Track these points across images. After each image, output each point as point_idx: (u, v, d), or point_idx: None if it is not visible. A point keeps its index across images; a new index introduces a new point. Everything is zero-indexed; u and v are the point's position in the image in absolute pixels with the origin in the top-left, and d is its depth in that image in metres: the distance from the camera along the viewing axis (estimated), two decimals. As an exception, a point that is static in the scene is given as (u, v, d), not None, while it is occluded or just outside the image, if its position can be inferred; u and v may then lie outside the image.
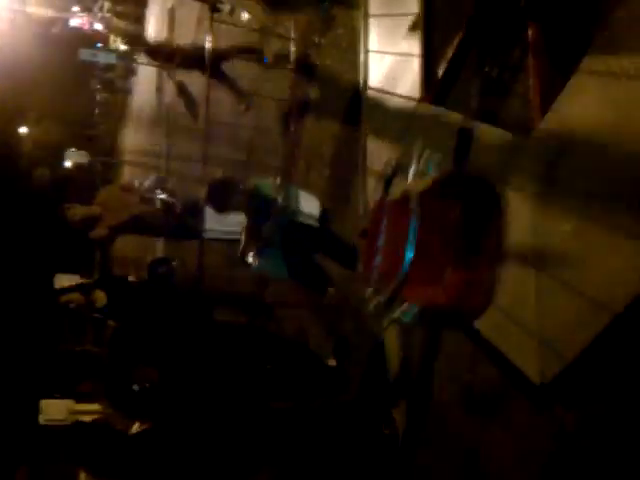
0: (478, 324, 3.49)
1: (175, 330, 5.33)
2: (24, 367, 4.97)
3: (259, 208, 4.63)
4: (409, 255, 3.12)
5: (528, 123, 3.33)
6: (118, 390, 4.30)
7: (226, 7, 5.92)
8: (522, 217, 3.19)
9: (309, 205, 4.85)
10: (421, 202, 3.21)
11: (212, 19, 6.01)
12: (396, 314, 3.44)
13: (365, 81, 5.03)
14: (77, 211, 5.92)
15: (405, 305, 3.41)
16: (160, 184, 6.48)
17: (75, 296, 5.79)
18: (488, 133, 3.55)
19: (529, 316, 3.11)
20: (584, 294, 2.81)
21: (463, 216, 3.20)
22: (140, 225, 6.28)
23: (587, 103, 2.89)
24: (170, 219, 6.23)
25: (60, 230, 6.36)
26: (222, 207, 4.80)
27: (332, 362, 5.02)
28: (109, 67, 20.01)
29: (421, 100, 4.27)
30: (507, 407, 3.33)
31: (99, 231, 6.21)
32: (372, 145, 4.84)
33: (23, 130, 23.84)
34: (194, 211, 5.84)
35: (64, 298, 5.81)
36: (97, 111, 25.64)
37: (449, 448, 3.69)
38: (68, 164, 17.03)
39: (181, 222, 6.13)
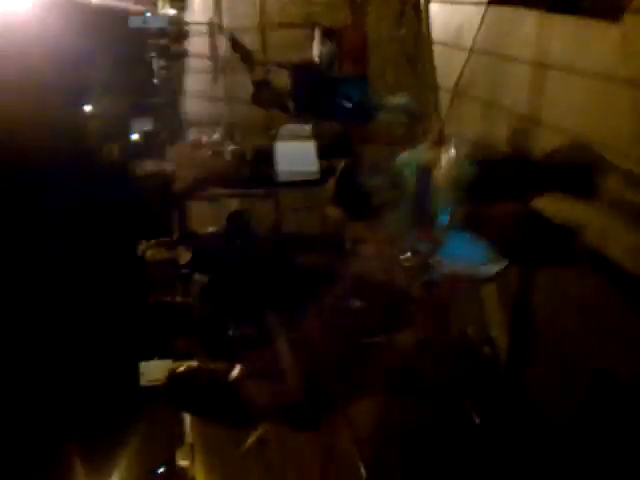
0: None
1: (260, 278, 5.32)
2: (120, 329, 5.07)
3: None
4: None
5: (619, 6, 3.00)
6: (214, 338, 4.32)
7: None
8: (619, 104, 2.91)
9: None
10: None
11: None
12: None
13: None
14: (148, 167, 5.92)
15: None
16: (227, 136, 6.39)
17: (160, 252, 5.84)
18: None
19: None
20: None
21: None
22: (214, 178, 6.23)
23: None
24: (242, 169, 6.14)
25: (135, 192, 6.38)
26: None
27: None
28: (161, 34, 20.01)
29: (491, 2, 3.95)
30: (615, 316, 3.10)
31: (176, 186, 6.21)
32: (442, 61, 4.58)
33: (88, 108, 24.38)
34: (265, 157, 5.73)
35: (149, 255, 5.87)
36: (156, 79, 25.90)
37: (550, 365, 3.50)
38: (135, 134, 17.29)
39: (253, 170, 6.04)
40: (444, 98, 4.55)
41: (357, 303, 4.97)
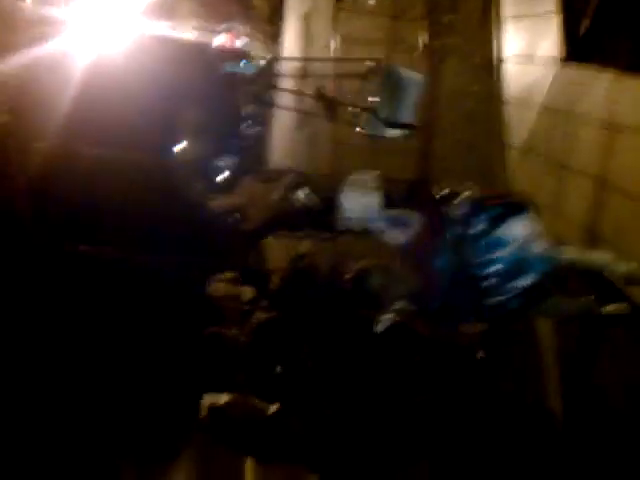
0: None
1: (319, 323, 5.28)
2: (181, 360, 5.11)
3: None
4: None
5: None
6: (260, 374, 4.31)
7: (352, -7, 5.74)
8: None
9: None
10: None
11: (336, 8, 5.88)
12: None
13: (499, 52, 4.68)
14: (219, 201, 6.02)
15: None
16: (299, 182, 6.43)
17: (223, 287, 5.89)
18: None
19: None
20: None
21: None
22: (282, 222, 6.29)
23: None
24: (310, 218, 6.17)
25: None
26: None
27: (480, 354, 4.69)
28: (252, 81, 20.68)
29: (564, 60, 3.86)
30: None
31: (246, 225, 6.30)
32: (513, 118, 4.49)
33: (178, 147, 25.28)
34: (331, 206, 5.72)
35: (214, 289, 5.93)
36: (243, 124, 26.71)
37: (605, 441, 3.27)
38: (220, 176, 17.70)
39: (321, 220, 6.05)
40: (513, 155, 4.45)
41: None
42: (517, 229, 2.77)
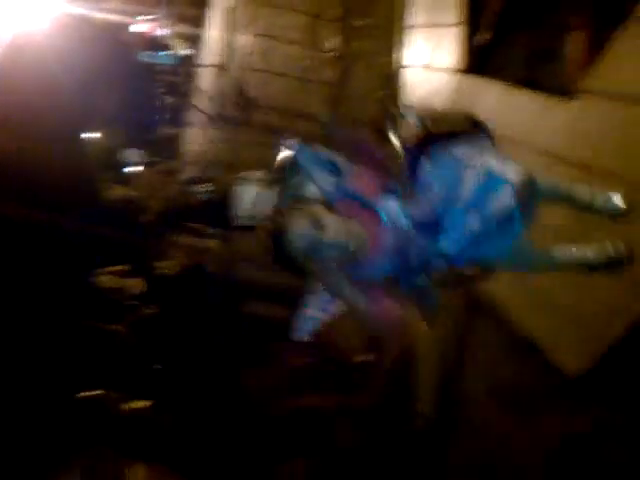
0: (515, 314, 3.13)
1: (205, 320, 5.18)
2: (55, 352, 4.85)
3: None
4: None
5: (570, 86, 2.96)
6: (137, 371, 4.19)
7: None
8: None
9: None
10: None
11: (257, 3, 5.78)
12: None
13: (404, 59, 4.73)
14: (117, 191, 5.83)
15: None
16: (202, 175, 6.32)
17: (109, 280, 5.70)
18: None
19: (567, 302, 2.74)
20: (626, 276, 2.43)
21: None
22: (180, 213, 6.15)
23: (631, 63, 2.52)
24: (209, 211, 6.05)
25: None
26: None
27: (364, 358, 4.71)
28: (172, 71, 20.23)
29: (461, 71, 3.93)
30: (540, 403, 2.95)
31: (144, 217, 6.12)
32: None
33: (89, 135, 24.42)
34: (228, 201, 5.63)
35: (101, 282, 5.73)
36: (159, 116, 26.09)
37: (478, 446, 3.33)
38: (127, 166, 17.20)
39: (219, 213, 5.94)
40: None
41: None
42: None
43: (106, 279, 5.87)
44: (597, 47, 2.80)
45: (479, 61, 3.82)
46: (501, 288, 3.21)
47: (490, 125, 3.46)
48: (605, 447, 2.51)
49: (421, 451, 3.84)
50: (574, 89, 2.89)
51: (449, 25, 4.12)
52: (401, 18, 4.76)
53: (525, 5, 3.41)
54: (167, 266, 6.21)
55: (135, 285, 5.79)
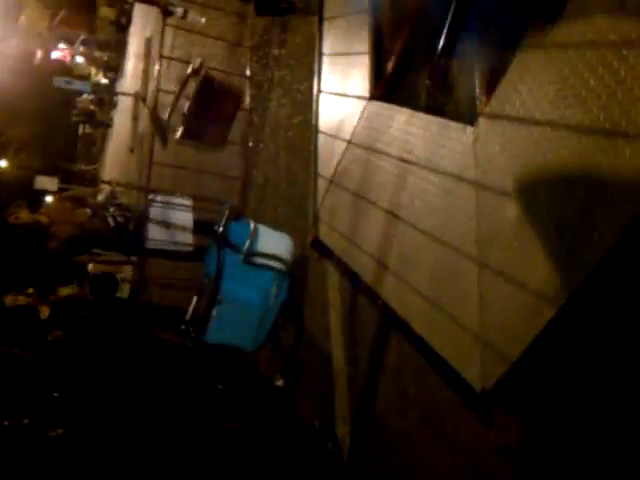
0: (420, 329, 3.20)
1: (116, 346, 5.03)
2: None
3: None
4: None
5: (475, 111, 3.09)
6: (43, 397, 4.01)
7: (178, 10, 5.69)
8: (467, 206, 2.93)
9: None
10: None
11: (165, 24, 5.80)
12: None
13: (319, 85, 4.81)
14: (22, 216, 5.62)
15: None
16: (112, 200, 6.18)
17: (22, 299, 5.49)
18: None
19: (471, 316, 2.82)
20: (528, 287, 2.53)
21: None
22: (89, 239, 5.97)
23: (530, 80, 2.66)
24: (121, 236, 5.92)
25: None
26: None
27: (280, 382, 4.69)
28: (91, 100, 19.88)
29: (371, 98, 4.03)
30: (453, 420, 3.00)
31: (50, 244, 5.93)
32: (323, 150, 4.61)
33: (1, 162, 23.61)
34: (142, 224, 5.55)
35: (11, 300, 5.50)
36: (79, 144, 25.52)
37: (394, 464, 3.35)
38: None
39: (131, 238, 5.82)
40: (322, 184, 4.55)
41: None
42: None
43: (12, 300, 5.66)
44: (497, 73, 2.93)
45: (388, 89, 3.94)
46: (407, 304, 3.29)
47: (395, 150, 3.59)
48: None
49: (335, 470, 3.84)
50: (476, 113, 3.02)
51: (359, 54, 4.23)
52: (316, 47, 4.85)
53: (428, 35, 3.54)
54: (72, 291, 6.03)
55: (42, 310, 5.60)
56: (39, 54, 21.78)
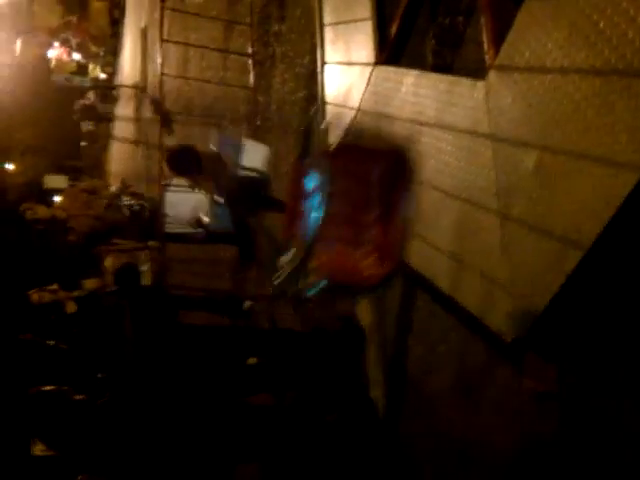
0: (447, 288, 3.23)
1: (144, 332, 5.11)
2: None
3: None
4: (315, 216, 2.97)
5: (484, 66, 3.08)
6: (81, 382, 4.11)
7: (175, -9, 5.67)
8: (484, 160, 2.94)
9: (257, 157, 4.67)
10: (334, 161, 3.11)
11: (163, 7, 5.78)
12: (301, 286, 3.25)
13: (323, 56, 4.80)
14: (39, 212, 5.70)
15: (313, 278, 3.20)
16: (125, 189, 6.24)
17: (47, 296, 5.59)
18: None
19: (497, 269, 2.85)
20: (552, 234, 2.55)
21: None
22: (107, 230, 6.05)
23: (537, 28, 2.65)
24: (137, 223, 5.99)
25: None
26: (183, 172, 4.84)
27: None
28: (89, 94, 19.85)
29: (377, 63, 4.02)
30: (486, 372, 3.04)
31: (70, 237, 6.02)
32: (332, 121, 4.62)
33: (9, 166, 23.67)
34: (158, 211, 5.60)
35: (36, 299, 5.60)
36: (83, 142, 25.51)
37: (430, 422, 3.41)
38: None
39: (149, 225, 5.89)
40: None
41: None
42: None
43: (42, 295, 5.76)
44: (503, 26, 2.92)
45: (393, 52, 3.93)
46: (431, 264, 3.32)
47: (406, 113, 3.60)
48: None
49: (374, 437, 3.90)
50: (484, 68, 3.02)
51: (361, 20, 4.22)
52: (317, 18, 4.83)
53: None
54: (96, 283, 6.11)
55: (69, 304, 5.69)
56: (36, 52, 21.66)
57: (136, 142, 14.83)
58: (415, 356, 3.64)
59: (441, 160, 3.28)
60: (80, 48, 20.99)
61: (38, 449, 4.16)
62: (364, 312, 4.19)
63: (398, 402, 3.80)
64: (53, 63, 14.83)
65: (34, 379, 4.10)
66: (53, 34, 20.94)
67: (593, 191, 2.33)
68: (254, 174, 4.53)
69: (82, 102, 18.94)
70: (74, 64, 15.27)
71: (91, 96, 18.83)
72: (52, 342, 4.85)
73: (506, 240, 2.79)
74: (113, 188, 6.65)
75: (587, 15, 2.42)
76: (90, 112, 19.32)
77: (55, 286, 5.88)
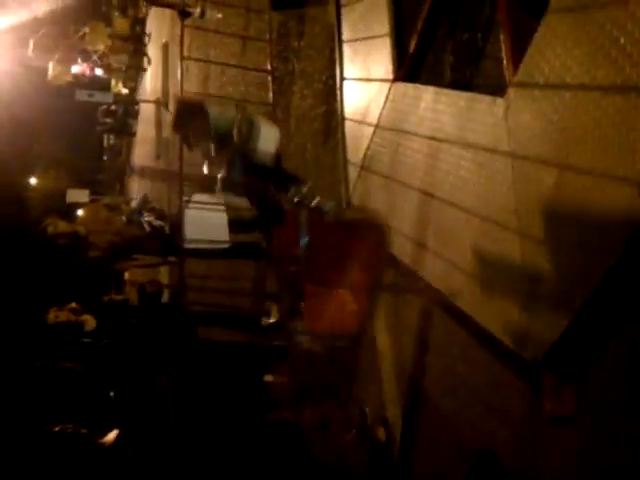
0: (465, 306, 3.19)
1: (161, 347, 5.12)
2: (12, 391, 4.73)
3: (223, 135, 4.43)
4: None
5: (504, 82, 3.06)
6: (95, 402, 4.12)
7: (196, 10, 5.73)
8: (503, 177, 2.91)
9: (268, 135, 4.59)
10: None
11: (183, 25, 5.84)
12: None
13: (341, 72, 4.81)
14: (60, 227, 5.71)
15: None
16: (145, 205, 6.27)
17: (64, 315, 5.59)
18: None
19: (517, 288, 2.81)
20: (572, 254, 2.51)
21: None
22: (127, 246, 6.06)
23: (557, 45, 2.63)
24: (157, 239, 6.00)
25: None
26: (186, 129, 4.68)
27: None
28: (112, 111, 20.07)
29: (395, 80, 4.02)
30: (504, 393, 2.99)
31: (91, 253, 6.04)
32: (351, 136, 4.62)
33: (32, 180, 24.00)
34: (177, 227, 5.61)
35: (52, 319, 5.61)
36: (105, 156, 25.80)
37: (447, 442, 3.35)
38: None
39: (169, 242, 5.90)
40: (352, 171, 4.56)
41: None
42: None
43: (60, 315, 5.77)
44: (523, 41, 2.90)
45: (412, 68, 3.92)
46: (449, 282, 3.28)
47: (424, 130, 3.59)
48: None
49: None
50: (504, 85, 2.99)
51: (379, 36, 4.22)
52: (336, 35, 4.85)
53: (450, 8, 3.52)
54: (118, 300, 6.12)
55: (88, 321, 5.70)
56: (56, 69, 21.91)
57: (157, 157, 14.97)
58: (432, 374, 3.59)
59: (460, 177, 3.26)
60: (102, 64, 21.28)
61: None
62: (378, 330, 4.15)
63: (414, 422, 3.75)
64: (50, 73, 14.88)
65: (47, 413, 4.12)
66: (72, 49, 21.22)
67: (613, 211, 2.29)
68: (268, 149, 4.41)
69: (104, 107, 19.13)
70: (70, 75, 15.33)
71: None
72: (67, 364, 4.85)
73: (526, 259, 2.75)
74: (134, 203, 6.68)
75: (608, 31, 2.39)
76: (110, 115, 19.49)
77: (74, 304, 5.89)
